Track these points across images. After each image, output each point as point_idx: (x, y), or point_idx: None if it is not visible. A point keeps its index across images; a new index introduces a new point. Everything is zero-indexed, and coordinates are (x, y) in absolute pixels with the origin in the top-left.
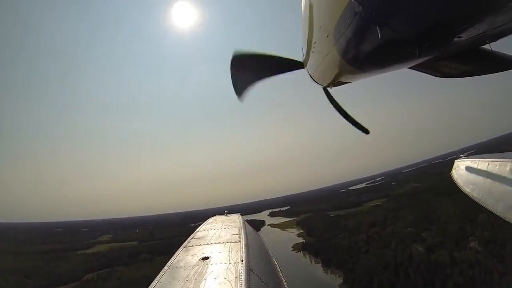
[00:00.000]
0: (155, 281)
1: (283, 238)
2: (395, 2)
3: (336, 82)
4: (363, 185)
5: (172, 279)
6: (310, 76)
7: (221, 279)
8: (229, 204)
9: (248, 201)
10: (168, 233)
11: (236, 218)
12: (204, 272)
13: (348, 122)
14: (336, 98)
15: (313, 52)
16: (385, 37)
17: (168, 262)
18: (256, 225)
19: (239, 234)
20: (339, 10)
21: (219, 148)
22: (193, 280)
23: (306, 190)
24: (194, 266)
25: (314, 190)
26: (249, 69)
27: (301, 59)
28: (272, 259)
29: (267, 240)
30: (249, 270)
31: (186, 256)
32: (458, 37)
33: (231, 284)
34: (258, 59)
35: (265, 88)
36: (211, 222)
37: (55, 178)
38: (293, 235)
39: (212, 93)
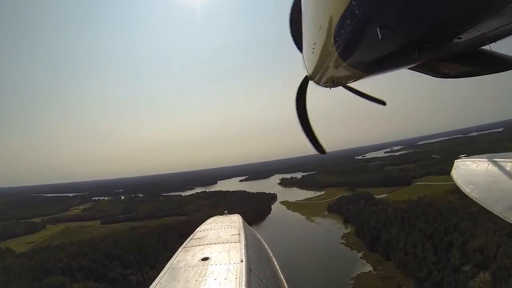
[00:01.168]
0: (156, 282)
1: (325, 253)
2: (395, 4)
3: (335, 83)
4: (381, 152)
5: (173, 279)
6: (310, 76)
7: (221, 280)
8: (234, 165)
9: (254, 162)
10: (152, 205)
11: (236, 218)
12: (204, 272)
13: (303, 133)
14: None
15: (313, 52)
16: (385, 38)
17: (168, 263)
18: (264, 202)
19: (239, 235)
20: (339, 11)
21: (223, 107)
22: (193, 281)
23: (315, 153)
24: (194, 266)
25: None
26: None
27: (300, 59)
28: (272, 259)
29: (284, 246)
30: (249, 270)
31: (186, 257)
32: (458, 38)
33: (231, 285)
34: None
35: (278, 45)
36: (210, 222)
37: (67, 138)
38: (336, 239)
39: (218, 52)
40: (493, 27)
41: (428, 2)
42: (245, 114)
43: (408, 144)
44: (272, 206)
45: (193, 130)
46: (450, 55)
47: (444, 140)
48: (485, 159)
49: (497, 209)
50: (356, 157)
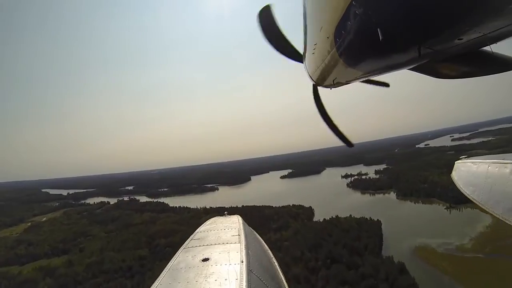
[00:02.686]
0: (156, 283)
1: None
2: (395, 4)
3: (335, 83)
4: (444, 140)
5: (173, 280)
6: (310, 76)
7: (222, 280)
8: (274, 154)
9: (298, 151)
10: (112, 242)
11: (236, 219)
12: (204, 273)
13: (330, 131)
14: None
15: (313, 53)
16: (385, 39)
17: (168, 264)
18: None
19: (239, 235)
20: (339, 12)
21: (264, 93)
22: (194, 282)
23: (366, 141)
24: (194, 267)
25: (369, 142)
26: (269, 28)
27: (301, 59)
28: (272, 260)
29: None
30: (249, 271)
31: (186, 258)
32: (458, 39)
33: (232, 285)
34: (276, 28)
35: None
36: (210, 223)
37: (100, 129)
38: None
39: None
40: (494, 28)
41: (429, 3)
42: (289, 101)
43: (464, 131)
44: None
45: (230, 119)
46: (450, 56)
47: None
48: (486, 161)
49: (498, 211)
50: (417, 146)
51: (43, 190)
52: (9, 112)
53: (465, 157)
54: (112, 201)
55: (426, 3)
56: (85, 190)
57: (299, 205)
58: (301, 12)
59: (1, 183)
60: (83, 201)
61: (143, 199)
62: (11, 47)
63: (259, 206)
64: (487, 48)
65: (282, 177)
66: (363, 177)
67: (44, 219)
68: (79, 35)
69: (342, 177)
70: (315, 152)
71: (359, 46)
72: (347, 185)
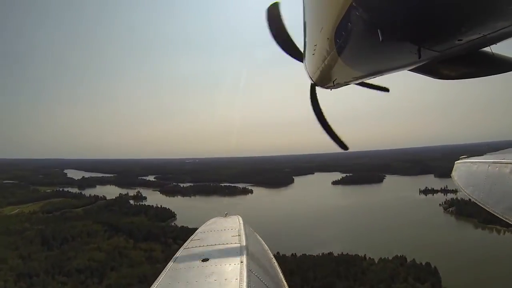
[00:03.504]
0: (155, 283)
1: None
2: (395, 5)
3: (335, 84)
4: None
5: (173, 280)
6: (310, 77)
7: (222, 281)
8: (326, 152)
9: (357, 150)
10: None
11: (236, 219)
12: (204, 273)
13: (326, 134)
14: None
15: (314, 54)
16: (386, 40)
17: (168, 264)
18: None
19: (239, 236)
20: (340, 12)
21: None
22: (194, 282)
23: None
24: (194, 267)
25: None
26: (276, 25)
27: (301, 61)
28: (272, 260)
29: None
30: (249, 271)
31: (186, 258)
32: (458, 40)
33: (232, 286)
34: (282, 25)
35: None
36: (210, 224)
37: (143, 117)
38: None
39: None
40: (494, 29)
41: (429, 4)
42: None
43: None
44: None
45: (278, 111)
46: (451, 57)
47: None
48: (486, 161)
49: (498, 211)
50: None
51: (65, 170)
52: (62, 92)
53: (465, 157)
54: (117, 193)
55: (426, 5)
56: (101, 176)
57: (404, 257)
58: (301, 13)
59: (28, 159)
60: (86, 190)
61: (153, 196)
62: (48, 29)
63: (325, 256)
64: (487, 48)
65: (334, 183)
66: (453, 195)
67: (17, 210)
68: (121, 21)
69: (421, 192)
70: (363, 153)
71: (359, 47)
72: (444, 208)
